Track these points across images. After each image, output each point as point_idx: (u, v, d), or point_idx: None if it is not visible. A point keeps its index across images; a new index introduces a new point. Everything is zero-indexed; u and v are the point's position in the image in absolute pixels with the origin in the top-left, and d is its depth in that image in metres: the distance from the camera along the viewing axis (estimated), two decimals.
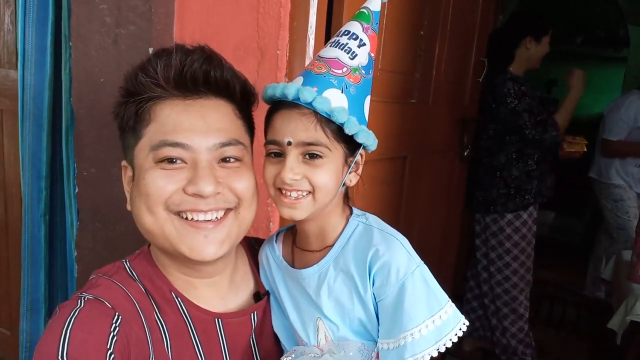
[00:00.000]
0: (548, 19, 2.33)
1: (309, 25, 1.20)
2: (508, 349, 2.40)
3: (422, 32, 1.69)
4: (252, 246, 0.93)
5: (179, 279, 0.79)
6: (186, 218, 0.72)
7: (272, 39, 1.18)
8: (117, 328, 0.66)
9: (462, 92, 2.18)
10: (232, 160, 0.75)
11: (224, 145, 0.73)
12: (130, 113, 0.73)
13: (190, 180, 0.70)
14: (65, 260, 1.57)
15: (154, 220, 0.72)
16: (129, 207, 0.77)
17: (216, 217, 0.73)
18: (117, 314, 0.67)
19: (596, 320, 3.16)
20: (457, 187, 2.31)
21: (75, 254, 1.46)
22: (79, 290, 0.72)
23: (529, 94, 2.20)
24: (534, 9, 2.87)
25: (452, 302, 0.72)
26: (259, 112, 1.14)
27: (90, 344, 0.62)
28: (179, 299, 0.77)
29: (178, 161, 0.71)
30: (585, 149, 2.32)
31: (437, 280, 0.74)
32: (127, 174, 0.78)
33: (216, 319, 0.79)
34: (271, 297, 0.86)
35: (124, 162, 0.79)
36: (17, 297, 1.70)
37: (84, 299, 0.68)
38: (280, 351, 0.87)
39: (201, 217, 0.72)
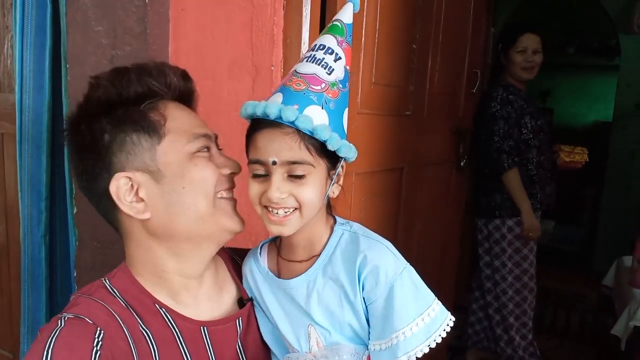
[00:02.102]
0: (515, 29, 2.36)
1: (302, 41, 1.22)
2: (513, 359, 2.38)
3: (414, 46, 1.72)
4: (230, 255, 0.95)
5: (165, 288, 0.80)
6: (221, 197, 0.80)
7: (266, 55, 1.20)
8: (100, 343, 0.66)
9: (456, 104, 2.21)
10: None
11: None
12: (137, 117, 0.75)
13: (224, 165, 0.80)
14: (67, 281, 1.57)
15: (208, 203, 0.77)
16: (144, 216, 0.75)
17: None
18: (99, 329, 0.68)
19: (600, 326, 3.15)
20: (455, 197, 2.33)
21: (75, 274, 1.47)
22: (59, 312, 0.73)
23: (514, 104, 2.23)
24: (523, 21, 2.92)
25: (455, 313, 0.75)
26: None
27: None
28: (164, 310, 0.78)
29: (205, 149, 0.79)
30: (587, 159, 2.33)
31: (439, 291, 0.77)
32: (132, 182, 0.75)
33: (202, 327, 0.80)
34: (257, 307, 0.87)
35: (123, 174, 0.74)
36: (19, 318, 1.69)
37: (64, 318, 0.68)
38: (267, 357, 0.88)
39: (228, 194, 0.82)
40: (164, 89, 0.78)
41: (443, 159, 2.14)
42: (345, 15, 0.77)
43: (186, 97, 0.83)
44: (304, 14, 1.21)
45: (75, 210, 1.42)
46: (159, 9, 1.23)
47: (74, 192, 1.42)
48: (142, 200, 0.75)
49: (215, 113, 1.25)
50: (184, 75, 0.83)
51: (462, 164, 2.23)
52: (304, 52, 1.24)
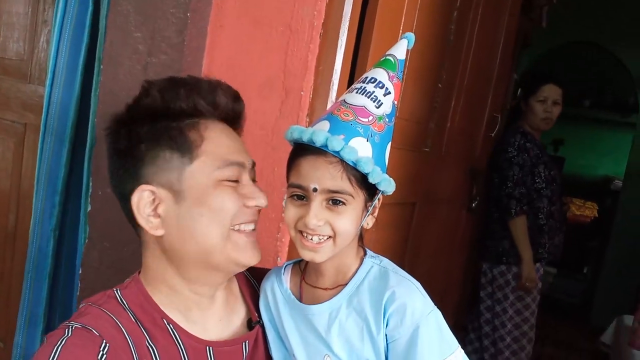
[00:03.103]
0: (538, 78, 2.38)
1: (334, 70, 1.24)
2: None
3: (439, 85, 1.74)
4: (243, 274, 0.94)
5: (176, 303, 0.79)
6: (238, 230, 0.78)
7: (297, 80, 1.22)
8: (105, 356, 0.66)
9: (474, 145, 2.22)
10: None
11: (254, 164, 0.83)
12: (174, 134, 0.75)
13: (249, 196, 0.78)
14: (70, 278, 1.57)
15: (222, 235, 0.76)
16: (157, 232, 0.76)
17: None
18: (104, 342, 0.68)
19: None
20: (462, 237, 2.32)
21: (80, 271, 1.47)
22: (67, 319, 0.73)
23: (531, 152, 2.25)
24: (544, 70, 2.97)
25: None
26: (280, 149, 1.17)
27: None
28: (171, 326, 0.77)
29: (234, 179, 0.78)
30: (596, 215, 2.34)
31: None
32: (155, 197, 0.76)
33: (207, 347, 0.79)
34: (270, 329, 0.86)
35: (148, 187, 0.75)
36: (15, 309, 1.69)
37: (72, 327, 0.69)
38: None
39: (248, 227, 0.79)
40: (209, 109, 0.78)
41: (455, 199, 2.14)
42: (399, 50, 0.78)
43: (233, 119, 0.83)
44: (339, 44, 1.23)
45: (89, 209, 1.43)
46: (198, 23, 1.26)
47: (90, 191, 1.43)
48: (159, 216, 0.76)
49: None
50: (236, 97, 0.82)
51: (473, 205, 2.23)
52: (334, 80, 1.26)
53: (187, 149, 0.75)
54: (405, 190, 1.68)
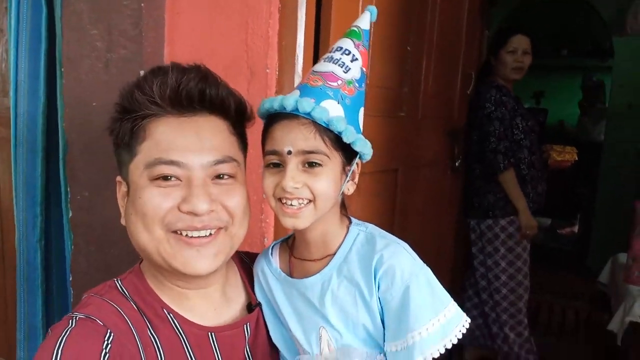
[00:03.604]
0: (506, 30, 2.39)
1: (297, 44, 1.23)
2: (510, 356, 2.39)
3: (408, 48, 1.73)
4: (242, 259, 0.94)
5: (171, 294, 0.80)
6: (180, 233, 0.74)
7: (261, 58, 1.20)
8: (110, 345, 0.66)
9: (451, 105, 2.22)
10: (225, 177, 0.77)
11: (218, 162, 0.75)
12: (126, 130, 0.75)
13: (185, 199, 0.72)
14: (62, 286, 1.57)
15: (150, 238, 0.74)
16: (123, 222, 0.79)
17: (210, 233, 0.75)
18: (109, 331, 0.68)
19: (596, 323, 3.17)
20: (449, 198, 2.33)
21: (70, 278, 1.46)
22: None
23: (508, 105, 2.26)
24: (517, 23, 2.96)
25: None
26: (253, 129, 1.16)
27: None
28: (172, 315, 0.77)
29: (172, 179, 0.73)
30: (576, 158, 2.36)
31: None
32: (121, 189, 0.80)
33: (209, 333, 0.79)
34: (266, 310, 0.87)
35: (118, 178, 0.81)
36: (14, 325, 1.68)
37: (76, 318, 0.69)
38: None
39: (194, 233, 0.74)
40: (146, 104, 0.73)
41: (438, 160, 2.15)
42: (363, 22, 0.80)
43: (211, 107, 0.76)
44: (299, 17, 1.22)
45: (70, 215, 1.42)
46: (154, 12, 1.24)
47: (69, 196, 1.42)
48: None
49: None
50: (201, 89, 0.74)
51: (457, 164, 2.24)
52: (299, 54, 1.25)
53: (129, 145, 0.75)
54: (385, 157, 1.68)
